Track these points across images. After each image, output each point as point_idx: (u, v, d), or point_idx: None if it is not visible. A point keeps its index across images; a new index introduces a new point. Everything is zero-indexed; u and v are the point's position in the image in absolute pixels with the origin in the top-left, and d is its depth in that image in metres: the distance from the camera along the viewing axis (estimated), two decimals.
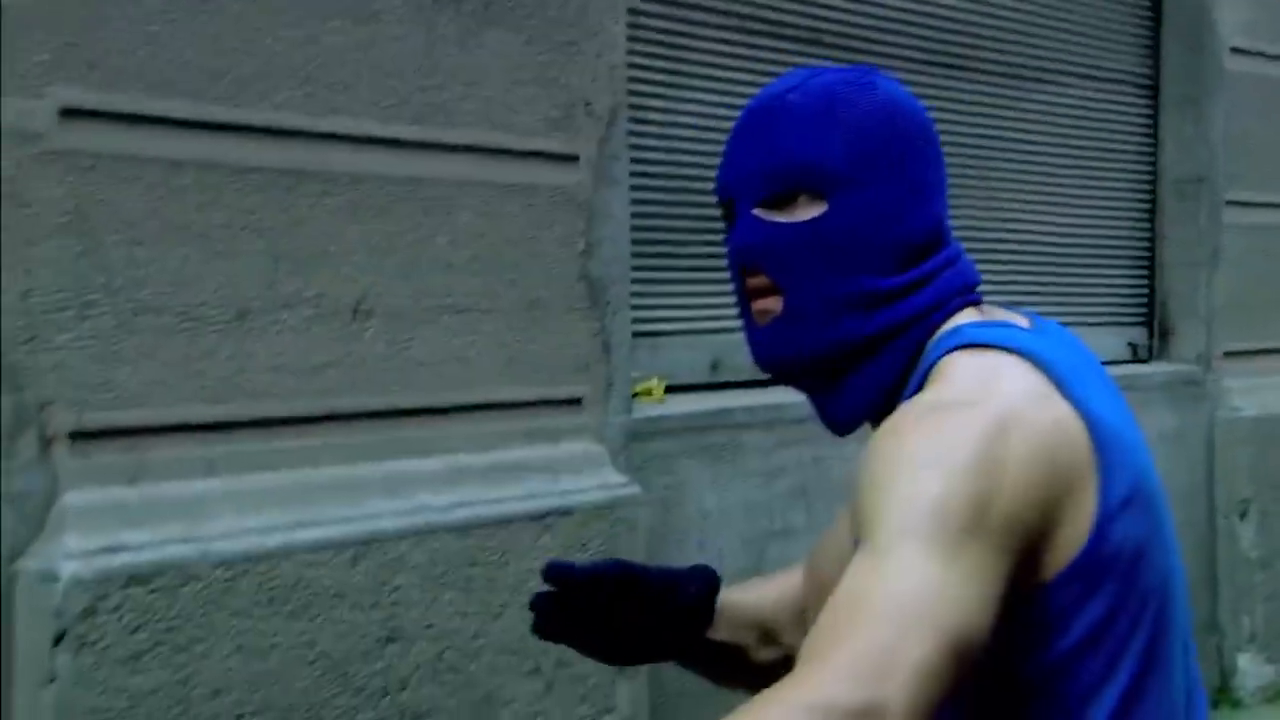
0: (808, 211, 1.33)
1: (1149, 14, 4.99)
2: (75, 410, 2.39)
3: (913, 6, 4.19)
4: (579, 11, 3.13)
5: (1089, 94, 4.81)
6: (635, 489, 3.17)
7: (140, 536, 2.42)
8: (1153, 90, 5.02)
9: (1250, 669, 4.77)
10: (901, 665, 1.03)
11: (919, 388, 1.28)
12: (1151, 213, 5.05)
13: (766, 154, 1.35)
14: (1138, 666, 1.22)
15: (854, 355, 1.34)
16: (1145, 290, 5.06)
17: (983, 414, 1.18)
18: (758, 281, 1.36)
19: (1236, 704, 4.78)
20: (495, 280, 3.00)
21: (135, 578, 2.39)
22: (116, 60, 2.43)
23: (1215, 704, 4.85)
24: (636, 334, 3.39)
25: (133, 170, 2.45)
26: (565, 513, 3.01)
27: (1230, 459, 4.85)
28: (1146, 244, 5.05)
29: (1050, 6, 4.64)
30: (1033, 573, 1.18)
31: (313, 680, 2.61)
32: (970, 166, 4.38)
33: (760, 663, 1.53)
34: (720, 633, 1.55)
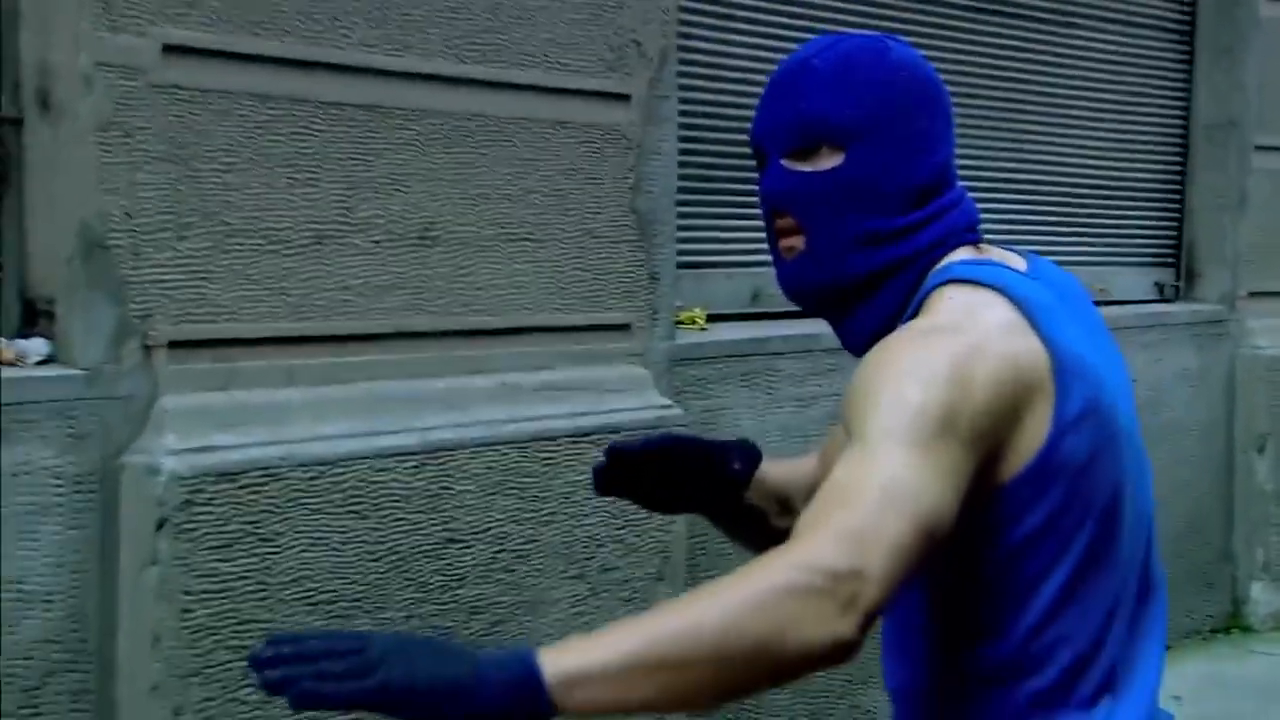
0: (828, 162, 1.55)
1: None
2: (173, 322, 2.65)
3: None
4: None
5: (1125, 39, 4.99)
6: (677, 411, 3.41)
7: (230, 438, 2.69)
8: (1188, 36, 5.19)
9: (1262, 597, 5.00)
10: (880, 540, 1.26)
11: (914, 315, 1.51)
12: (1183, 157, 5.23)
13: (793, 112, 1.58)
14: (1080, 560, 1.46)
15: (865, 286, 1.57)
16: (1174, 232, 5.26)
17: (960, 340, 1.41)
18: (785, 222, 1.59)
19: (1248, 630, 5.01)
20: (550, 211, 3.23)
21: (225, 475, 2.65)
22: (214, 1, 2.66)
23: (1228, 630, 5.10)
24: (681, 265, 3.62)
25: (226, 104, 2.69)
26: (611, 431, 3.24)
27: (1250, 396, 5.07)
28: (1177, 187, 5.24)
29: None
30: (993, 474, 1.41)
31: (379, 574, 2.88)
32: (1006, 108, 4.57)
33: (776, 529, 1.77)
34: (751, 498, 1.80)
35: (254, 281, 2.75)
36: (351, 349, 2.91)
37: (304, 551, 2.76)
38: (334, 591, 2.81)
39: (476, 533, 3.04)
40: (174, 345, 2.66)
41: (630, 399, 3.35)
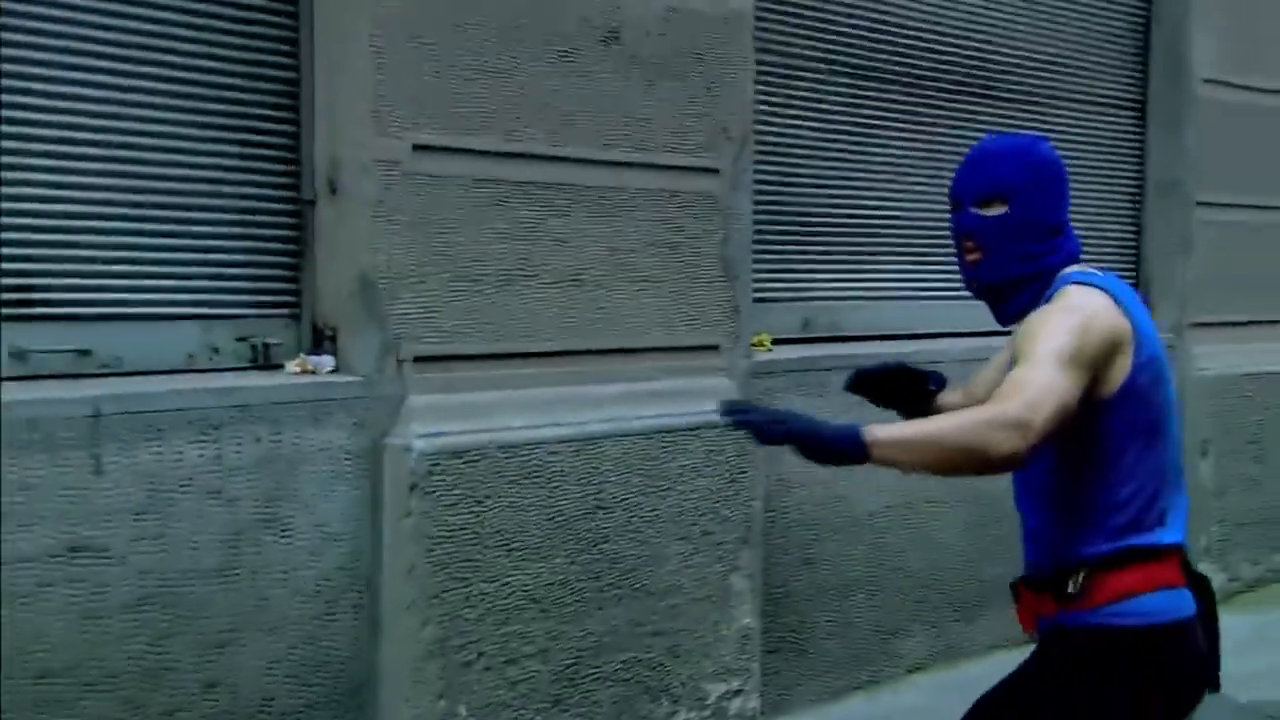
0: (998, 210, 2.65)
1: (1139, 52, 6.25)
2: (416, 343, 3.66)
3: (949, 46, 5.43)
4: (722, 65, 4.36)
5: (1090, 115, 6.07)
6: None
7: (454, 427, 3.69)
8: (1141, 112, 6.28)
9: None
10: (1042, 407, 2.31)
11: (1046, 301, 2.59)
12: (1138, 210, 6.32)
13: (980, 176, 2.68)
14: (1145, 444, 2.53)
15: (1017, 285, 2.66)
16: (1133, 273, 6.33)
17: (1083, 313, 2.48)
18: (970, 244, 2.69)
19: None
20: (664, 259, 4.25)
21: (453, 453, 3.66)
22: (444, 112, 3.69)
23: None
24: (754, 299, 4.66)
25: (451, 185, 3.71)
26: (710, 427, 4.26)
27: (1196, 409, 6.11)
28: (1134, 236, 6.33)
29: (1061, 44, 5.90)
30: (1098, 391, 2.47)
31: (552, 530, 3.89)
32: None
33: None
34: (934, 404, 2.97)
35: (467, 313, 3.76)
36: (531, 362, 3.92)
37: (501, 510, 3.77)
38: (522, 542, 3.81)
39: (616, 502, 4.05)
40: (417, 359, 3.67)
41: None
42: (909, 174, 5.33)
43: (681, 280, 4.31)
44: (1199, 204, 6.18)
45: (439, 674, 3.63)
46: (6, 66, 3.21)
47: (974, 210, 2.66)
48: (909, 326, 5.29)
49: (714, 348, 4.42)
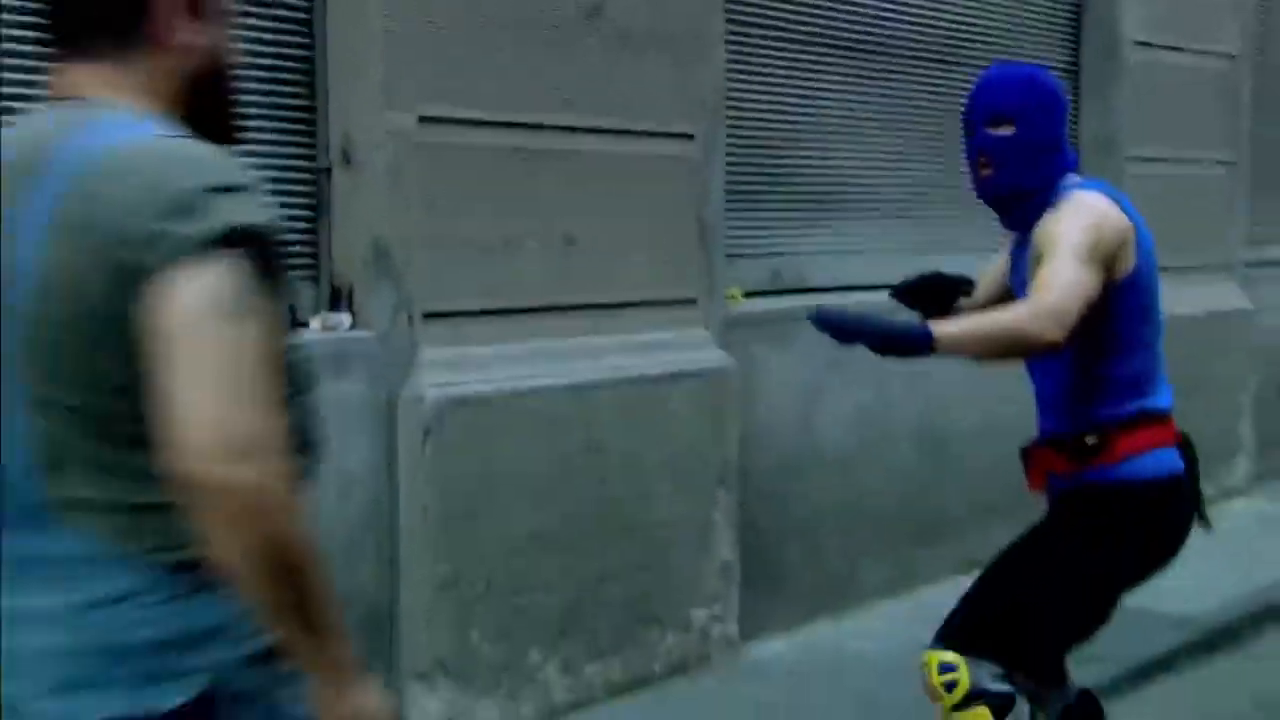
0: (1006, 130, 3.02)
1: (1073, 17, 6.62)
2: (425, 301, 3.95)
3: (904, 16, 5.76)
4: (696, 38, 4.65)
5: None
6: (733, 362, 4.76)
7: (461, 378, 3.99)
8: (1075, 74, 6.65)
9: None
10: (1072, 300, 2.77)
11: (1052, 208, 2.98)
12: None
13: (988, 100, 3.06)
14: (1144, 323, 3.01)
15: (1025, 195, 3.05)
16: None
17: (1093, 215, 2.92)
18: (983, 160, 3.06)
19: None
20: (645, 220, 4.54)
21: (460, 402, 3.96)
22: (448, 87, 3.96)
23: None
24: (726, 255, 4.97)
25: (457, 154, 3.98)
26: (695, 375, 4.59)
27: None
28: None
29: (1001, 13, 6.25)
30: (1110, 279, 2.90)
31: (555, 469, 4.18)
32: (937, 134, 5.99)
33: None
34: (960, 306, 3.39)
35: (471, 273, 4.05)
36: (530, 318, 4.22)
37: (506, 452, 4.07)
38: (524, 476, 4.11)
39: (608, 443, 4.36)
40: (427, 316, 3.96)
41: (700, 352, 4.69)
42: (869, 135, 5.66)
43: (663, 239, 4.61)
44: (1129, 159, 6.56)
45: (453, 606, 3.94)
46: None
47: (986, 130, 3.04)
48: (872, 279, 5.61)
49: (692, 301, 4.73)
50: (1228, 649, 5.21)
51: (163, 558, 1.62)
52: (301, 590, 1.58)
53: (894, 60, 5.73)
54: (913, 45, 5.82)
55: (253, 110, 3.80)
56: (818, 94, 5.43)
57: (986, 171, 3.05)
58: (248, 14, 3.79)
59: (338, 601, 1.62)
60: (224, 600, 1.61)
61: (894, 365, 5.48)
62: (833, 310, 2.85)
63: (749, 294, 5.13)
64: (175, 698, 1.59)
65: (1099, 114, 6.61)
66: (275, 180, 3.88)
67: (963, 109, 3.13)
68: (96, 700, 1.59)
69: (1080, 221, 2.88)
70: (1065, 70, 6.61)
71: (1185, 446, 3.11)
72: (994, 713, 2.99)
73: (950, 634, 3.09)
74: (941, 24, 5.94)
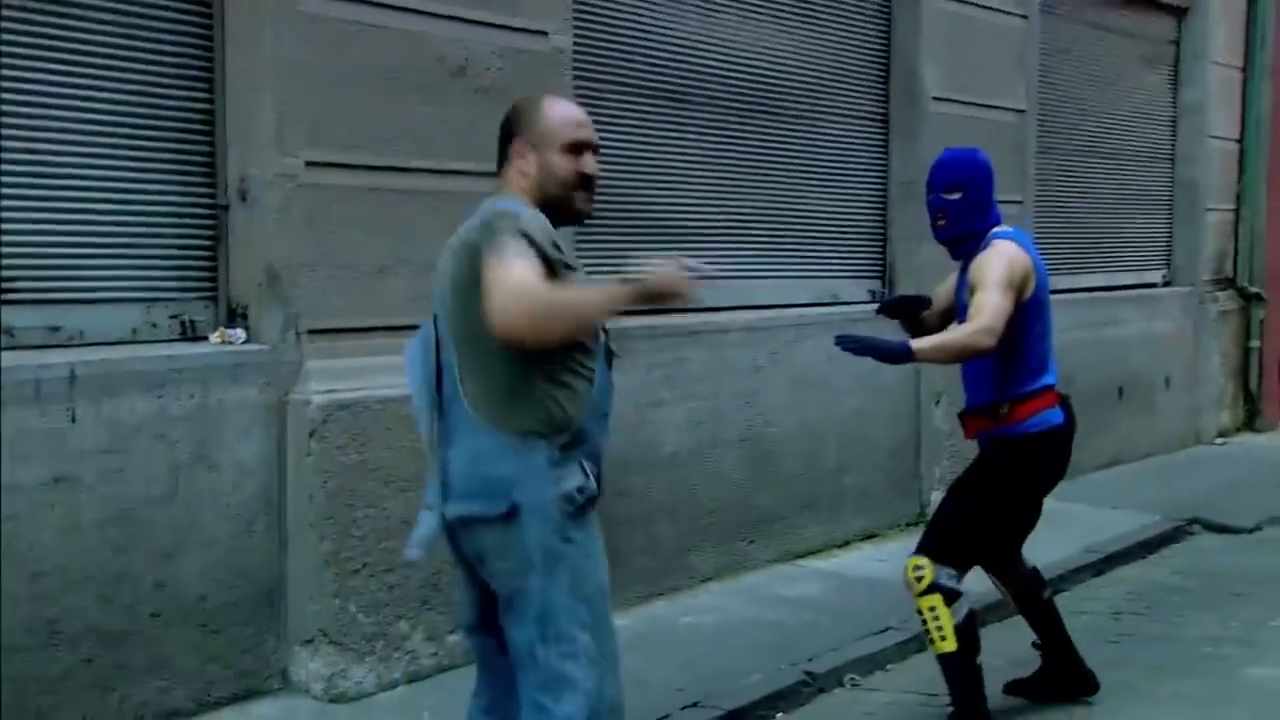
0: (956, 195, 4.37)
1: (881, 76, 7.39)
2: (310, 318, 4.49)
3: (732, 71, 6.45)
4: (548, 90, 5.25)
5: (844, 127, 7.17)
6: None
7: (343, 385, 4.52)
8: (885, 124, 7.41)
9: (935, 501, 7.17)
10: (999, 319, 4.11)
11: (985, 248, 4.30)
12: (884, 203, 7.45)
13: (945, 174, 4.41)
14: (1043, 327, 4.42)
15: (967, 239, 4.39)
16: (880, 257, 7.46)
17: (1008, 255, 4.26)
18: (940, 215, 4.40)
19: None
20: None
21: (342, 406, 4.50)
22: (331, 135, 4.51)
23: (916, 523, 7.27)
24: None
25: (338, 194, 4.54)
26: None
27: (932, 365, 7.27)
28: (881, 226, 7.46)
29: (820, 70, 6.97)
30: (1020, 298, 4.24)
31: (422, 464, 4.73)
32: (764, 173, 6.70)
33: (932, 327, 4.57)
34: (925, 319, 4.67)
35: (349, 296, 4.60)
36: (400, 334, 4.73)
37: (380, 449, 4.61)
38: (395, 470, 4.66)
39: None
40: (311, 332, 4.50)
41: None
42: (699, 174, 6.32)
43: None
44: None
45: (333, 579, 4.48)
46: None
47: (942, 195, 4.37)
48: (715, 301, 6.29)
49: None
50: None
51: (503, 429, 2.95)
52: (563, 320, 2.84)
53: (725, 111, 6.42)
54: (740, 97, 6.51)
55: (163, 156, 4.35)
56: (655, 140, 6.08)
57: (942, 223, 4.39)
58: (159, 72, 4.32)
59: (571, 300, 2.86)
60: (531, 456, 2.93)
61: (724, 382, 6.20)
62: (850, 336, 4.05)
63: None
64: (501, 506, 2.95)
65: (905, 158, 7.35)
66: (181, 215, 4.41)
67: (926, 179, 4.45)
68: (465, 505, 3.01)
69: (998, 261, 4.20)
70: (875, 119, 7.38)
71: (1065, 406, 4.46)
72: (944, 599, 4.28)
73: (923, 545, 4.39)
74: (766, 78, 6.64)
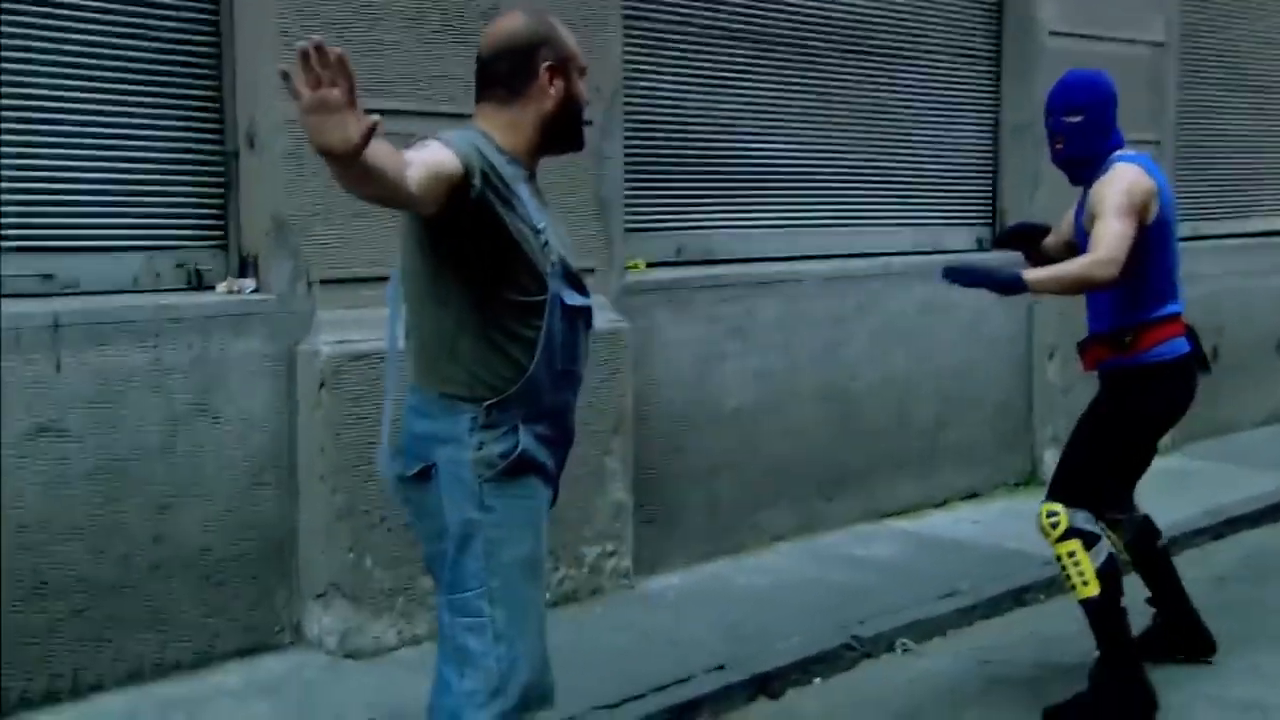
0: (1077, 118, 4.07)
1: (994, 10, 6.79)
2: (322, 268, 4.29)
3: (820, 10, 5.99)
4: (593, 29, 4.91)
5: (952, 65, 6.63)
6: (625, 324, 5.05)
7: (355, 336, 4.31)
8: (996, 62, 6.82)
9: (1050, 459, 6.64)
10: (1119, 248, 3.84)
11: (1104, 173, 4.02)
12: (995, 149, 6.88)
13: (1062, 98, 4.11)
14: (1168, 249, 4.11)
15: (1085, 162, 4.09)
16: (990, 205, 6.90)
17: (1127, 179, 3.97)
18: (1058, 138, 4.11)
19: (1041, 484, 6.65)
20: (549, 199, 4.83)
21: (353, 357, 4.29)
22: None
23: (1027, 483, 6.76)
24: (630, 229, 5.25)
25: None
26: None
27: (1044, 315, 6.70)
28: (991, 173, 6.89)
29: (930, 5, 6.45)
30: (1143, 222, 3.97)
31: None
32: (874, 116, 6.22)
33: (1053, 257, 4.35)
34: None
35: (362, 243, 4.37)
36: None
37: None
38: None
39: None
40: (324, 282, 4.30)
41: (598, 315, 4.95)
42: (767, 120, 5.89)
43: (560, 214, 4.88)
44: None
45: (349, 532, 4.29)
46: None
47: (1061, 118, 4.08)
48: (773, 251, 5.89)
49: (590, 270, 5.01)
50: None
51: (428, 387, 2.74)
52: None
53: (803, 51, 5.96)
54: (821, 35, 6.05)
55: (169, 102, 4.19)
56: (716, 81, 5.66)
57: (1060, 146, 4.11)
58: (164, 18, 4.16)
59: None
60: (452, 417, 2.68)
61: (799, 334, 5.82)
62: (959, 265, 3.97)
63: (653, 264, 5.41)
64: (415, 466, 2.76)
65: (1018, 100, 6.76)
66: (189, 162, 4.25)
67: (1046, 100, 4.16)
68: (391, 461, 2.85)
69: (1118, 186, 3.92)
70: (985, 57, 6.80)
71: (1191, 334, 4.18)
72: (1083, 542, 4.03)
73: (1054, 490, 4.15)
74: (854, 14, 6.15)
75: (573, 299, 2.83)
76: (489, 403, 2.68)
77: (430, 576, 2.98)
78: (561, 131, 2.83)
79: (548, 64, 2.75)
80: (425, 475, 2.75)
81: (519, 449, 2.72)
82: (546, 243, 2.78)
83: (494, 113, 2.77)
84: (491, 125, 2.76)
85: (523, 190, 2.74)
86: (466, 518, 2.71)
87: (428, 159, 2.48)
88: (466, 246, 2.61)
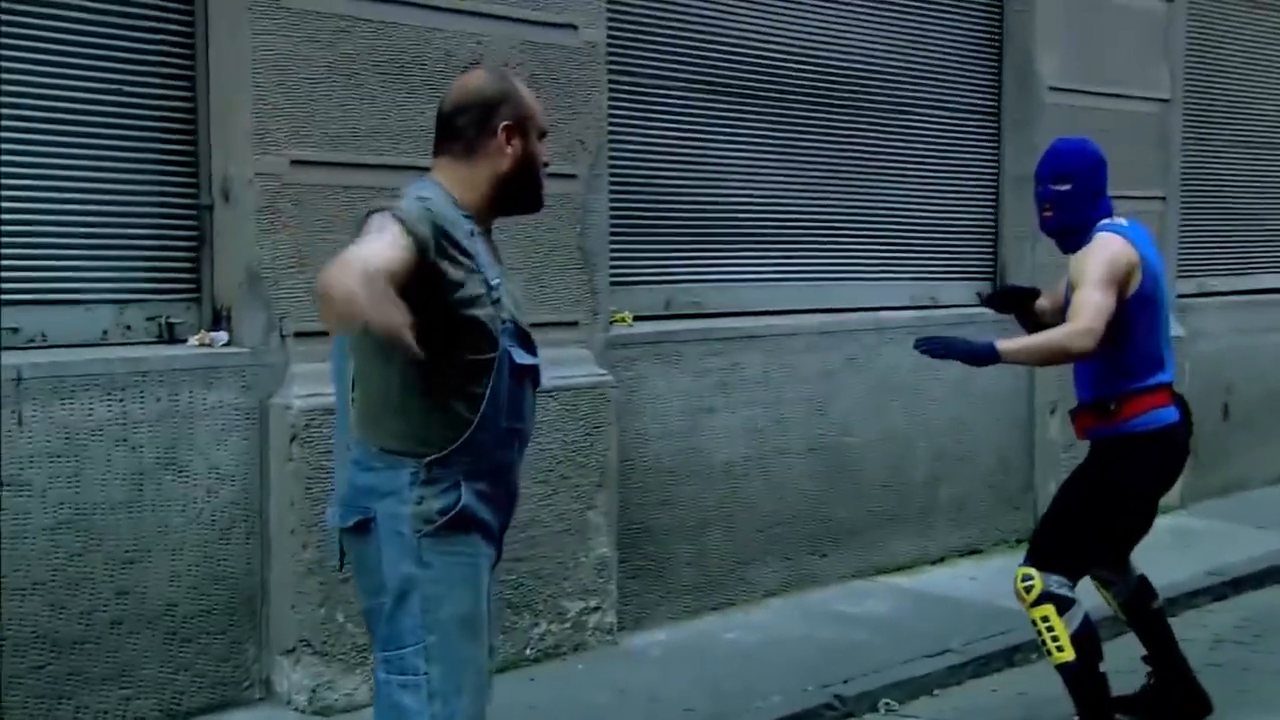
0: (1065, 185, 3.99)
1: (994, 65, 6.70)
2: (294, 321, 4.21)
3: (810, 61, 5.91)
4: (578, 86, 4.88)
5: (951, 120, 6.53)
6: (609, 378, 4.95)
7: (328, 389, 4.15)
8: (997, 116, 6.72)
9: None
10: (1098, 319, 3.77)
11: (1089, 242, 3.95)
12: (996, 200, 6.76)
13: (1052, 164, 4.04)
14: (1153, 325, 4.00)
15: (1074, 231, 4.01)
16: (991, 256, 6.77)
17: (1109, 250, 3.89)
18: (1046, 206, 4.04)
19: None
20: (526, 250, 4.75)
21: (326, 410, 4.16)
22: (316, 134, 4.24)
23: (1026, 540, 6.55)
24: (617, 283, 5.15)
25: (321, 193, 4.25)
26: (571, 390, 4.79)
27: (1044, 371, 6.53)
28: (992, 223, 6.77)
29: (923, 59, 6.36)
30: (1124, 294, 3.87)
31: None
32: (872, 169, 6.13)
33: (1043, 323, 4.26)
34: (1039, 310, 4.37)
35: None
36: None
37: None
38: None
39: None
40: (296, 335, 4.22)
41: (578, 369, 4.89)
42: (758, 173, 5.80)
43: (543, 267, 4.83)
44: None
45: (319, 587, 4.19)
46: None
47: (1051, 186, 4.00)
48: (762, 305, 5.78)
49: (574, 323, 4.93)
50: None
51: (370, 441, 2.63)
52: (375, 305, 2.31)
53: (791, 104, 5.88)
54: (812, 89, 5.96)
55: (144, 155, 4.15)
56: (704, 134, 5.58)
57: (1048, 214, 4.04)
58: (139, 71, 4.12)
59: None
60: (392, 472, 2.59)
61: (788, 388, 5.70)
62: (931, 338, 3.89)
63: (640, 318, 5.31)
64: (353, 518, 2.65)
65: (1018, 152, 6.63)
66: (163, 215, 4.20)
67: (1035, 169, 4.10)
68: (334, 512, 2.74)
69: (1099, 257, 3.85)
70: (986, 111, 6.70)
71: (1182, 405, 4.09)
72: (1057, 608, 3.93)
73: (1031, 554, 4.05)
74: (847, 68, 6.07)
75: (522, 358, 2.73)
76: (431, 458, 2.59)
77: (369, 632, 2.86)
78: (517, 192, 2.74)
79: (505, 123, 2.68)
80: (364, 528, 2.66)
81: (460, 505, 2.63)
82: (498, 299, 2.68)
83: (450, 167, 2.70)
84: (448, 180, 2.68)
85: (478, 246, 2.65)
86: (405, 573, 2.61)
87: (386, 268, 2.39)
88: (416, 306, 2.52)
